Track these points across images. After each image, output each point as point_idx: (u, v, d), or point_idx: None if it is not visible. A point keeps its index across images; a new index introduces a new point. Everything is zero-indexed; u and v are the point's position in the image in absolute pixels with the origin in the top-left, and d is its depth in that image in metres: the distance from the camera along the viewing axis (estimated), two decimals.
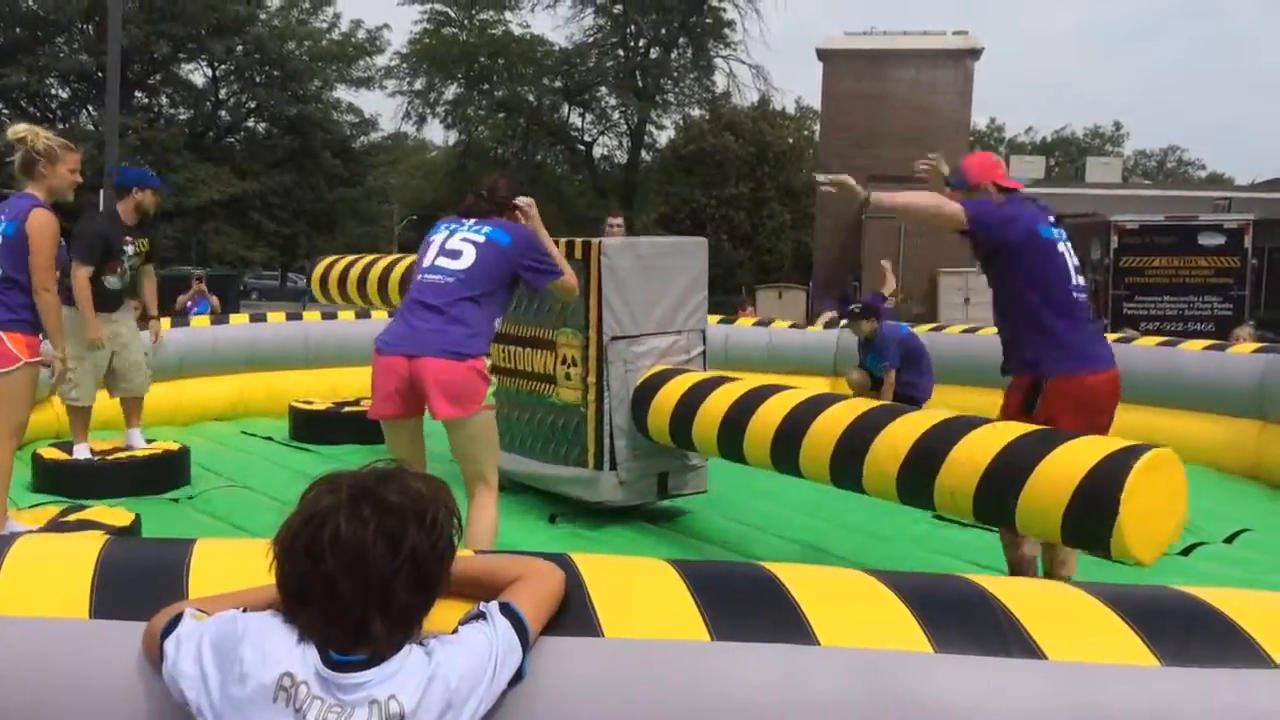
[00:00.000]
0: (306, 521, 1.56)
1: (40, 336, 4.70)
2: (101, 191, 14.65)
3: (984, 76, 70.94)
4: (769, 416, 4.82)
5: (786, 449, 4.70)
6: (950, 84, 31.15)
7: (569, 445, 5.64)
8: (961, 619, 1.74)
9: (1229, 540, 5.59)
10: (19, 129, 4.70)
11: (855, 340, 8.35)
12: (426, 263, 4.03)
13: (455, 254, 4.00)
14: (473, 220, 4.12)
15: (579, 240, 5.52)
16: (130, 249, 6.22)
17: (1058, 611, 1.79)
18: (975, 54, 31.69)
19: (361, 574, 1.53)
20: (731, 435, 4.98)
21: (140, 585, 1.78)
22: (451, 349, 3.83)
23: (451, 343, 3.84)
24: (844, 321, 8.04)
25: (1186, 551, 5.32)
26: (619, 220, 8.62)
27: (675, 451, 5.61)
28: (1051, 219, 4.16)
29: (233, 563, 1.88)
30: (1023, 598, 1.80)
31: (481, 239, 4.02)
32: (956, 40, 31.85)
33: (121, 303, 6.30)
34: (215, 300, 16.05)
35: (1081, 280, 4.16)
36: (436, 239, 4.10)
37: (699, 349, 5.79)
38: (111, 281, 6.15)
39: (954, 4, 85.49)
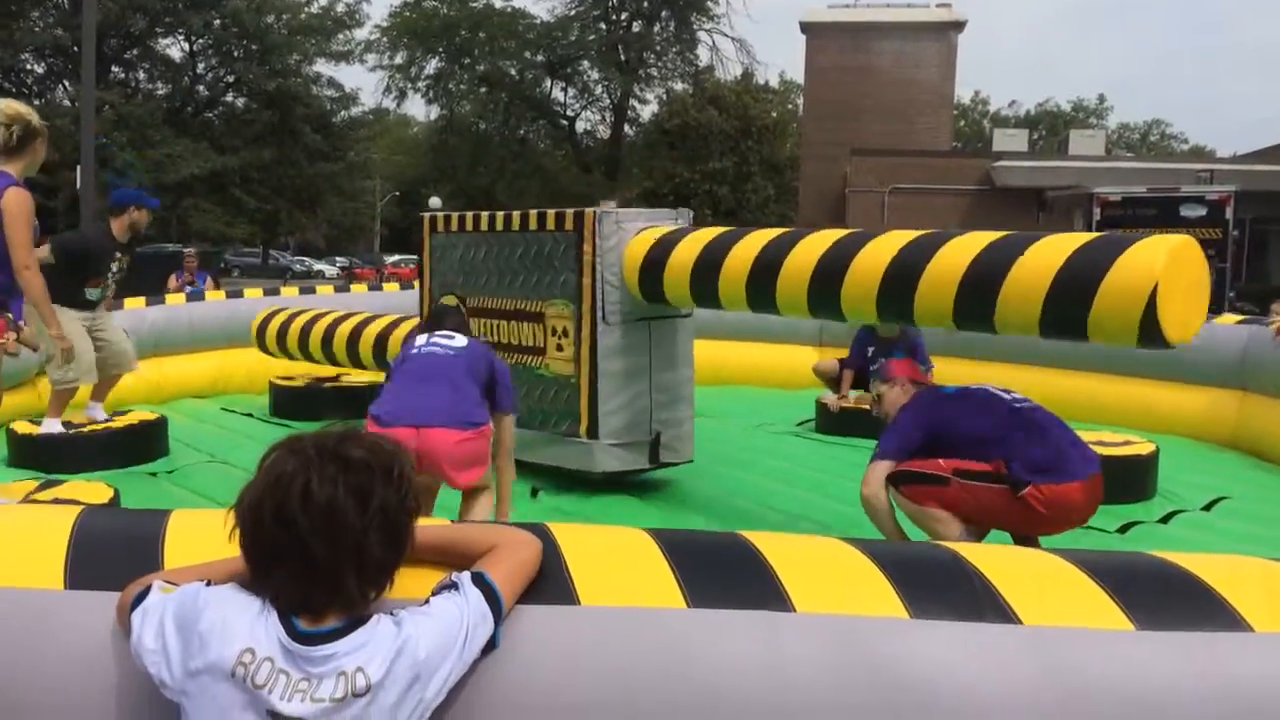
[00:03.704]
0: (273, 486, 1.54)
1: (7, 320, 4.67)
2: (79, 168, 14.50)
3: (968, 49, 70.73)
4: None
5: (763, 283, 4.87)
6: (933, 57, 31.16)
7: (560, 416, 5.73)
8: (937, 585, 1.74)
9: (1208, 508, 5.64)
10: (16, 106, 4.63)
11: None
12: (420, 342, 4.14)
13: (449, 336, 4.21)
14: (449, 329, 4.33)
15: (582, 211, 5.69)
16: (115, 266, 6.24)
17: (1032, 577, 1.80)
18: (959, 26, 31.67)
19: (334, 533, 1.52)
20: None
21: (115, 556, 1.77)
22: (464, 419, 3.91)
23: (464, 413, 3.92)
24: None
25: (1166, 519, 5.37)
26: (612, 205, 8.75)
27: (666, 418, 5.77)
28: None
29: (208, 534, 1.86)
30: (998, 563, 1.81)
31: (465, 338, 4.26)
32: (940, 13, 31.83)
33: (96, 308, 6.31)
34: (210, 280, 13.86)
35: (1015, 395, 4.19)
36: (421, 338, 4.23)
37: None
38: (91, 294, 6.16)
39: None
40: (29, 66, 34.27)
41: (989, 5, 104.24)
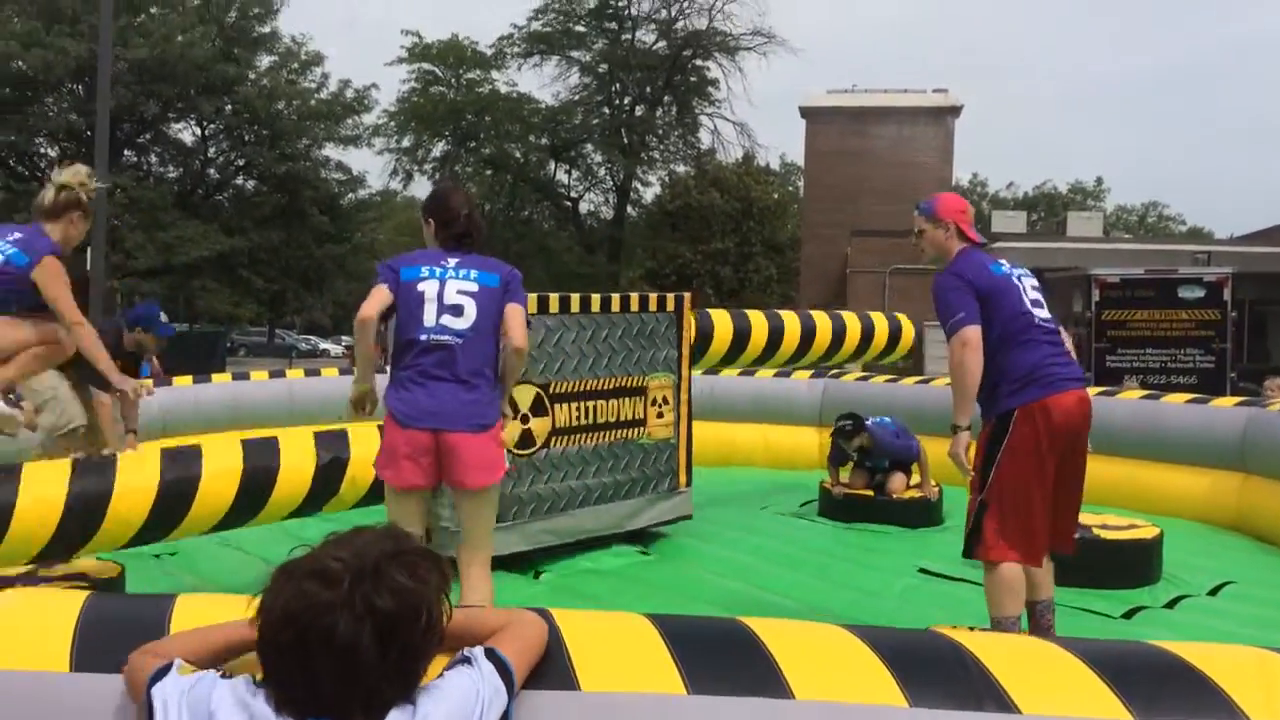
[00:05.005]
0: (303, 611, 1.53)
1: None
2: (89, 250, 14.66)
3: (966, 133, 71.94)
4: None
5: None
6: (931, 140, 31.62)
7: (660, 477, 6.50)
8: (936, 673, 1.75)
9: (1213, 593, 5.60)
10: (80, 171, 4.69)
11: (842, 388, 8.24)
12: (429, 321, 3.82)
13: (457, 310, 3.83)
14: (454, 261, 3.95)
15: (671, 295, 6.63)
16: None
17: (1031, 666, 1.81)
18: (955, 111, 32.20)
19: (349, 674, 1.53)
20: None
21: (122, 640, 1.79)
22: (479, 422, 3.79)
23: (478, 415, 3.80)
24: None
25: (1171, 604, 5.34)
26: None
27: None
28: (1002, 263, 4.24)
29: (214, 619, 1.88)
30: (997, 652, 1.82)
31: (475, 287, 3.88)
32: (937, 98, 32.38)
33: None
34: (155, 363, 13.31)
35: (1042, 312, 4.13)
36: (427, 289, 3.86)
37: None
38: None
39: (934, 63, 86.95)
40: (43, 150, 34.80)
41: (985, 90, 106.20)
